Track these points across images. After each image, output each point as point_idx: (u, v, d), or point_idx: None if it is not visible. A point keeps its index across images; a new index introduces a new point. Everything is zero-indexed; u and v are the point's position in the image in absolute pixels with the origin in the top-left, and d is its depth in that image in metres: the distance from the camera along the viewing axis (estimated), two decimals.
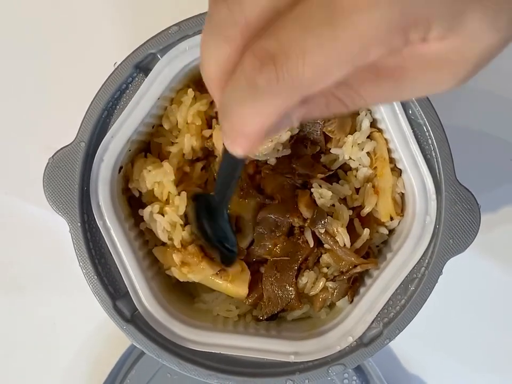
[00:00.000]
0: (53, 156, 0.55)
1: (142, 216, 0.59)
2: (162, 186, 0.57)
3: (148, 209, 0.57)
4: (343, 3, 0.24)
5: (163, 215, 0.57)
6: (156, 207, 0.57)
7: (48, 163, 0.55)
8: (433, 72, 0.29)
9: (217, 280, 0.58)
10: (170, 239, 0.58)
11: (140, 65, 0.55)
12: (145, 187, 0.58)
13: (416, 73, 0.29)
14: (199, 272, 0.57)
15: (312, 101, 0.30)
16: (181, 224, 0.57)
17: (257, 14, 0.26)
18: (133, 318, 0.56)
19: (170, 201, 0.58)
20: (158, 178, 0.57)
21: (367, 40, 0.24)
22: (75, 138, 0.55)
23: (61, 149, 0.55)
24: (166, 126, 0.59)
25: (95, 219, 0.55)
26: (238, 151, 0.29)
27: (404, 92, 0.30)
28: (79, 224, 0.55)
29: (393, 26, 0.24)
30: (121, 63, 0.54)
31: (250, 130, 0.28)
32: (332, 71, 0.25)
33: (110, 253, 0.56)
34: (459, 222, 0.54)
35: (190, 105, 0.58)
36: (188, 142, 0.58)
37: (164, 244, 0.59)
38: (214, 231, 0.54)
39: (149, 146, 0.61)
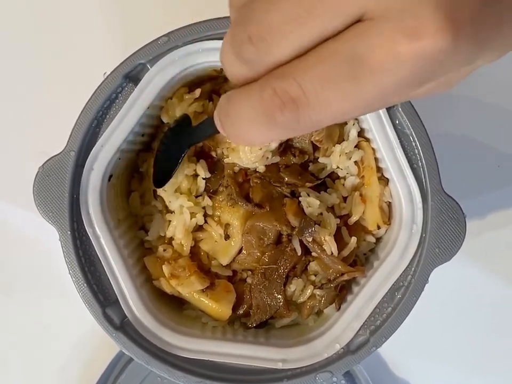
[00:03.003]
0: (43, 165, 0.55)
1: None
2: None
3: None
4: (370, 62, 0.26)
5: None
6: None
7: (38, 172, 0.55)
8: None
9: (202, 298, 0.58)
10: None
11: (130, 75, 0.55)
12: None
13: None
14: (188, 285, 0.57)
15: None
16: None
17: (281, 55, 0.28)
18: (122, 325, 0.57)
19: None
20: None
21: (386, 94, 0.28)
22: (65, 148, 0.55)
23: (51, 158, 0.55)
24: (165, 121, 0.59)
25: (84, 227, 0.56)
26: (233, 141, 0.35)
27: None
28: (69, 232, 0.55)
29: (411, 83, 0.27)
30: (111, 73, 0.54)
31: (250, 141, 0.32)
32: (348, 115, 0.29)
33: (100, 260, 0.56)
34: (445, 231, 0.55)
35: (190, 104, 0.58)
36: None
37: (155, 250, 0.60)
38: (168, 156, 0.56)
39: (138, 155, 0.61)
